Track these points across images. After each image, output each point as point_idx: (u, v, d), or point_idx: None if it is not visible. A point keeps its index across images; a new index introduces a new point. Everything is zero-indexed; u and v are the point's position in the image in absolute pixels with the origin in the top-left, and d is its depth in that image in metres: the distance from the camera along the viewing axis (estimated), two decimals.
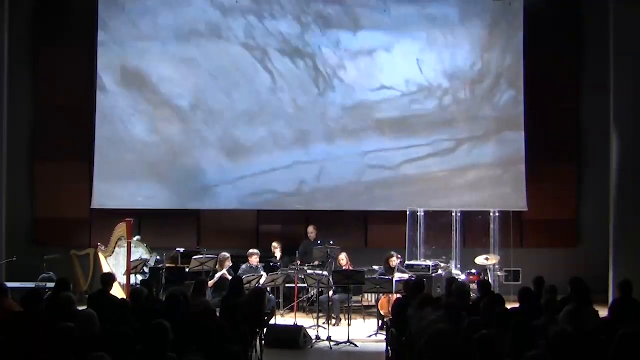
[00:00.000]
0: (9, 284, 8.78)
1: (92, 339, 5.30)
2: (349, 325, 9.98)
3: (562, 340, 5.08)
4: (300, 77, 12.90)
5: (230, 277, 10.26)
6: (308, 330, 9.78)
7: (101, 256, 11.64)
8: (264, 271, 11.16)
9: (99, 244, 11.76)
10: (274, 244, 12.09)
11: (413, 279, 9.61)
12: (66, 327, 5.19)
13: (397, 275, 10.76)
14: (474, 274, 11.50)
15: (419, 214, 12.51)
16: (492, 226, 12.43)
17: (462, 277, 11.27)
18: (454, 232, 12.43)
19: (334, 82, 12.90)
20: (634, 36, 11.09)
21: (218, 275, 10.72)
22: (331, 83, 12.90)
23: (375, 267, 11.38)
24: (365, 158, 12.84)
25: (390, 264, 11.10)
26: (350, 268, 11.05)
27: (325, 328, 10.01)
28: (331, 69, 12.91)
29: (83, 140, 13.00)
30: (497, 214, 12.48)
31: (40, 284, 10.42)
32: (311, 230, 12.42)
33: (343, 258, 11.35)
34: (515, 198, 12.77)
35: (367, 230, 13.16)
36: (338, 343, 9.64)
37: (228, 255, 10.99)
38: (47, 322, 5.93)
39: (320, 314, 10.65)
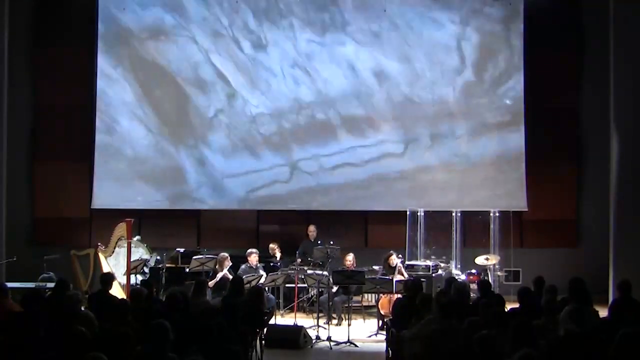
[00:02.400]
0: (9, 284, 8.76)
1: (91, 339, 5.28)
2: (349, 325, 9.97)
3: (562, 340, 5.08)
4: (293, 74, 12.87)
5: (231, 277, 10.25)
6: (308, 330, 9.78)
7: (101, 256, 11.62)
8: (264, 271, 11.15)
9: (99, 244, 11.75)
10: (272, 245, 12.06)
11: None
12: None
13: (399, 268, 10.82)
14: (474, 274, 11.50)
15: (419, 214, 12.51)
16: (492, 226, 12.43)
17: (462, 277, 11.27)
18: (454, 232, 12.43)
19: (331, 81, 12.86)
20: (634, 36, 11.08)
21: (219, 275, 10.70)
22: (328, 82, 12.86)
23: (375, 267, 11.38)
24: (365, 158, 12.81)
25: (390, 263, 11.11)
26: (351, 268, 11.05)
27: (325, 328, 10.01)
28: (327, 67, 12.86)
29: (83, 140, 12.99)
30: (497, 214, 12.49)
31: (40, 284, 10.43)
32: (312, 230, 12.42)
33: (350, 259, 11.26)
34: (515, 198, 12.76)
35: (367, 230, 13.15)
36: (338, 343, 9.65)
37: (227, 255, 10.99)
38: (47, 322, 5.92)
39: (320, 314, 10.64)
